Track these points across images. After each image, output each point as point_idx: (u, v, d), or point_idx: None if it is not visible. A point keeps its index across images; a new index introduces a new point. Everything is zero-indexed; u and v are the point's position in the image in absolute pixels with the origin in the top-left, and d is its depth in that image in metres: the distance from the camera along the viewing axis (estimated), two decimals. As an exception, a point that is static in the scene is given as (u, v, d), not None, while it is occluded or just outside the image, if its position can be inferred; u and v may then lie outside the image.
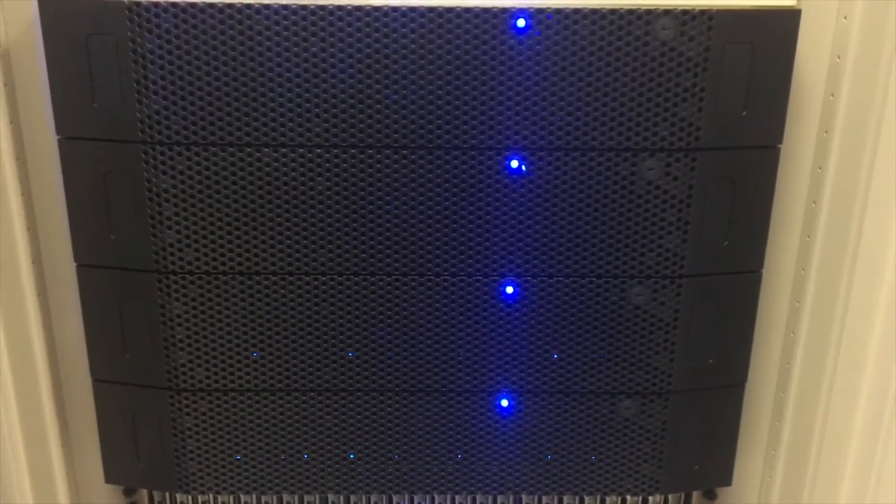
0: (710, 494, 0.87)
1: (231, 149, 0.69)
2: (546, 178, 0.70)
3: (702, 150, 0.69)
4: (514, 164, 0.70)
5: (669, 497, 0.86)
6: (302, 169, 0.70)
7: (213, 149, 0.69)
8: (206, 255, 0.72)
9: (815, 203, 0.75)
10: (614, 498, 0.85)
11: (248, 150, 0.69)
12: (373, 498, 0.85)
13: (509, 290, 0.74)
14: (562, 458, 0.80)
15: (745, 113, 0.69)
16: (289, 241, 0.72)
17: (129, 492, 0.85)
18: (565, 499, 0.85)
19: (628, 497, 0.84)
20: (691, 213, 0.71)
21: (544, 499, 0.85)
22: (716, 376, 0.78)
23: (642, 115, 0.68)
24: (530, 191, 0.71)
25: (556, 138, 0.69)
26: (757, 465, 0.86)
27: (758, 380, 0.81)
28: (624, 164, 0.70)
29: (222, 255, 0.72)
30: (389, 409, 0.78)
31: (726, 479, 0.83)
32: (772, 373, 0.82)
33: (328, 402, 0.78)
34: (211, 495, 0.84)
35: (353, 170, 0.70)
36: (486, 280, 0.74)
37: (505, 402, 0.78)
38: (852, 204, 0.70)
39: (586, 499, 0.85)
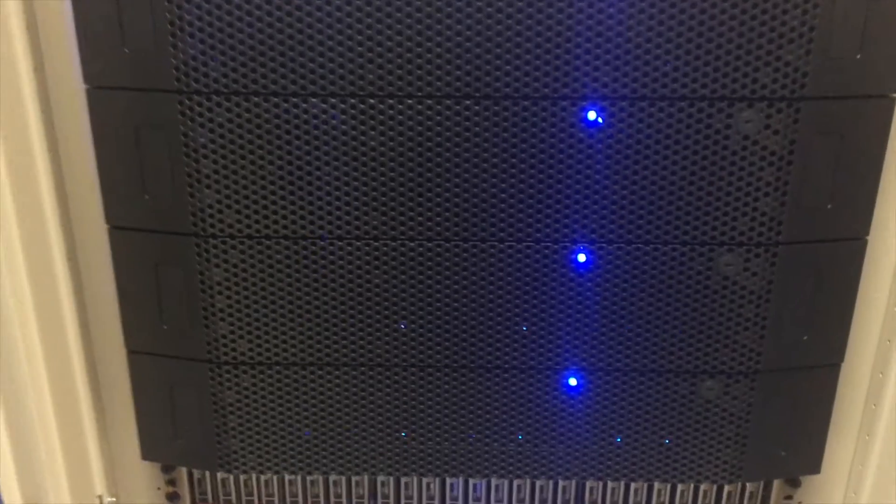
0: (793, 482, 0.79)
1: (275, 99, 0.62)
2: (626, 131, 0.62)
3: (807, 98, 0.61)
4: (591, 115, 0.62)
5: (747, 483, 0.79)
6: (353, 122, 0.63)
7: (256, 99, 0.62)
8: (248, 216, 0.66)
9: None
10: (686, 486, 0.78)
11: (294, 100, 0.62)
12: (425, 480, 0.79)
13: (581, 257, 0.66)
14: (632, 442, 0.73)
15: (859, 56, 0.60)
16: (338, 202, 0.65)
17: (167, 469, 0.80)
18: (633, 486, 0.78)
19: (702, 486, 0.77)
20: (791, 173, 0.63)
21: (610, 485, 0.79)
22: (809, 355, 0.70)
23: (741, 58, 0.60)
24: (608, 146, 0.63)
25: (641, 86, 0.61)
26: (847, 453, 0.78)
27: (853, 358, 0.73)
28: (717, 116, 0.61)
29: (266, 217, 0.66)
30: (445, 386, 0.72)
31: (814, 467, 0.76)
32: (869, 350, 0.74)
33: (379, 377, 0.72)
34: (254, 475, 0.79)
35: (410, 122, 0.62)
36: (555, 247, 0.66)
37: (573, 381, 0.71)
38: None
39: (655, 486, 0.78)
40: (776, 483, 0.80)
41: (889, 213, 0.69)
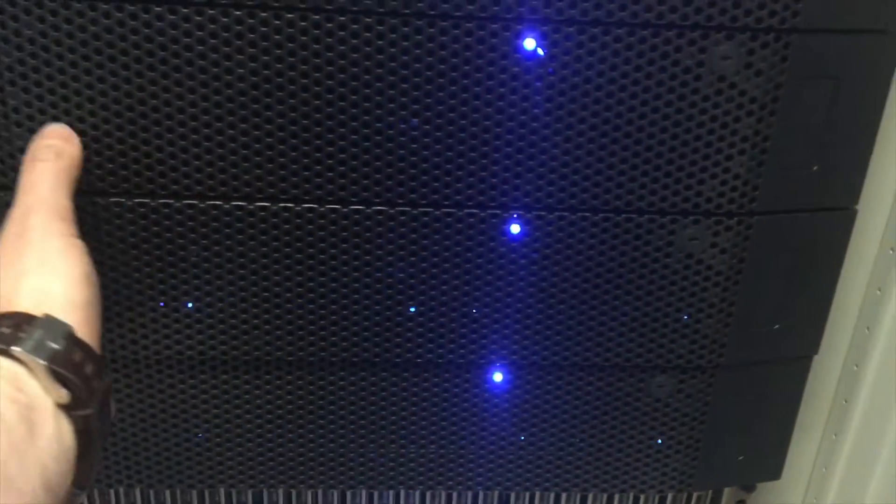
0: (748, 486, 0.69)
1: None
2: (569, 62, 0.48)
3: (799, 31, 0.48)
4: (529, 43, 0.48)
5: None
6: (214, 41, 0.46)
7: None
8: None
9: (934, 115, 0.55)
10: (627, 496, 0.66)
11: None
12: (321, 492, 0.65)
13: (515, 228, 0.53)
14: (566, 447, 0.61)
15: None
16: (196, 161, 0.49)
17: None
18: (563, 497, 0.66)
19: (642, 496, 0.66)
20: (773, 124, 0.50)
21: (537, 496, 0.66)
22: (780, 346, 0.58)
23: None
24: (550, 83, 0.49)
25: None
26: (809, 454, 0.68)
27: (824, 349, 0.62)
28: (688, 50, 0.48)
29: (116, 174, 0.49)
30: (341, 383, 0.57)
31: (775, 473, 0.65)
32: (843, 340, 0.63)
33: (255, 376, 0.57)
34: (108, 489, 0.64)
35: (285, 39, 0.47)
36: (483, 214, 0.52)
37: (498, 377, 0.58)
38: None
39: (589, 497, 0.67)
40: (728, 488, 0.69)
41: (880, 180, 0.58)
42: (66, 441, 0.37)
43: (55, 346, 0.37)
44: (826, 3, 0.47)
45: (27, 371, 0.37)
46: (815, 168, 0.52)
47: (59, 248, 0.41)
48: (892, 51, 0.51)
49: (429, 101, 0.49)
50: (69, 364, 0.38)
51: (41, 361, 0.36)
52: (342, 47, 0.47)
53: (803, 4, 0.47)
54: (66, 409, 0.38)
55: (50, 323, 0.38)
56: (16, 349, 0.36)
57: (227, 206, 0.50)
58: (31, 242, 0.40)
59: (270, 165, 0.50)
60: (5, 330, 0.37)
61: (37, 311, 0.38)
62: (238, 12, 0.45)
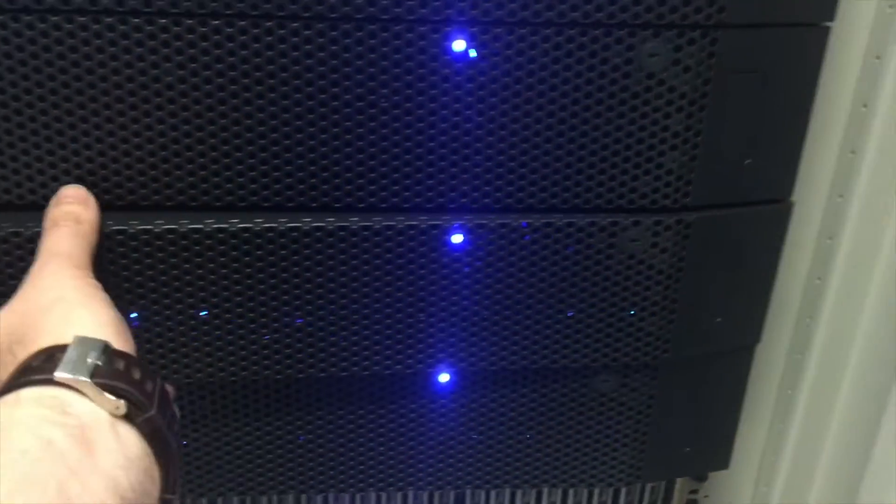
0: (700, 476, 0.70)
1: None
2: (499, 62, 0.48)
3: (724, 26, 0.48)
4: (458, 45, 0.48)
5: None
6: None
7: None
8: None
9: (865, 107, 0.55)
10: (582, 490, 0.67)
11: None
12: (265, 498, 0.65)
13: (457, 238, 0.52)
14: (515, 444, 0.61)
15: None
16: (114, 165, 0.49)
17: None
18: (518, 494, 0.67)
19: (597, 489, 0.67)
20: (703, 119, 0.50)
21: (493, 495, 0.67)
22: (722, 338, 0.59)
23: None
24: (481, 85, 0.49)
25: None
26: (758, 444, 0.69)
27: (767, 340, 0.63)
28: (616, 49, 0.48)
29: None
30: (277, 393, 0.57)
31: (722, 463, 0.66)
32: (786, 329, 0.64)
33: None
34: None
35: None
36: (424, 224, 0.52)
37: (445, 378, 0.58)
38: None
39: (544, 492, 0.67)
40: (680, 479, 0.70)
41: (816, 170, 0.59)
42: (132, 449, 0.37)
43: (95, 361, 0.37)
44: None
45: (73, 392, 0.36)
46: (747, 162, 0.53)
47: (75, 285, 0.41)
48: (819, 43, 0.51)
49: (360, 104, 0.48)
50: (114, 374, 0.37)
51: (84, 378, 0.36)
52: (269, 52, 0.46)
53: (728, 0, 0.47)
54: (127, 417, 0.37)
55: (83, 341, 0.37)
56: (57, 375, 0.36)
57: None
58: (45, 288, 0.41)
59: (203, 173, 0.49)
60: (38, 363, 0.37)
61: (66, 339, 0.38)
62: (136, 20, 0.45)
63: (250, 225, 0.50)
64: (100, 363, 0.37)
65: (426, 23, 0.47)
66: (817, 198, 0.59)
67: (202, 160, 0.49)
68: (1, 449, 0.32)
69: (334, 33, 0.46)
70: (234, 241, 0.50)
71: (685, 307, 0.56)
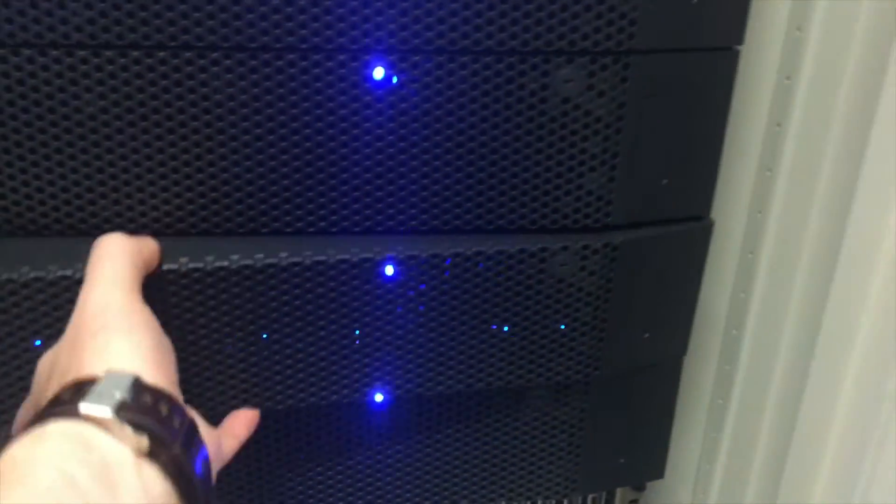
0: (638, 486, 0.71)
1: None
2: (418, 89, 0.49)
3: (636, 52, 0.50)
4: (378, 72, 0.49)
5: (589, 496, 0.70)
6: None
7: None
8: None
9: (779, 126, 0.57)
10: None
11: None
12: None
13: (389, 270, 0.53)
14: (452, 461, 0.62)
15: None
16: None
17: None
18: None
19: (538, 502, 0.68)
20: (620, 142, 0.52)
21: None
22: (650, 352, 0.61)
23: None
24: (402, 111, 0.50)
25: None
26: (693, 453, 0.70)
27: (696, 352, 0.65)
28: (532, 75, 0.49)
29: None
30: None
31: (658, 472, 0.67)
32: (714, 342, 0.66)
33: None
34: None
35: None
36: (358, 258, 0.52)
37: (379, 397, 0.59)
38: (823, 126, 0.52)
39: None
40: (620, 489, 0.71)
41: (734, 189, 0.60)
42: (153, 488, 0.36)
43: (121, 395, 0.36)
44: (660, 24, 0.50)
45: (97, 427, 0.36)
46: (664, 181, 0.54)
47: (121, 310, 0.41)
48: (730, 65, 0.53)
49: (283, 131, 0.49)
50: (139, 409, 0.36)
51: (108, 415, 0.35)
52: (190, 82, 0.47)
53: (638, 27, 0.49)
54: (152, 454, 0.36)
55: (111, 376, 0.37)
56: (82, 409, 0.35)
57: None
58: (91, 315, 0.40)
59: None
60: (67, 395, 0.36)
61: (99, 371, 0.37)
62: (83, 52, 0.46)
63: (175, 266, 0.50)
64: (127, 398, 0.36)
65: (345, 51, 0.48)
66: (738, 214, 0.61)
67: (126, 188, 0.49)
68: (25, 484, 0.32)
69: (254, 62, 0.47)
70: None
71: (614, 325, 0.58)
